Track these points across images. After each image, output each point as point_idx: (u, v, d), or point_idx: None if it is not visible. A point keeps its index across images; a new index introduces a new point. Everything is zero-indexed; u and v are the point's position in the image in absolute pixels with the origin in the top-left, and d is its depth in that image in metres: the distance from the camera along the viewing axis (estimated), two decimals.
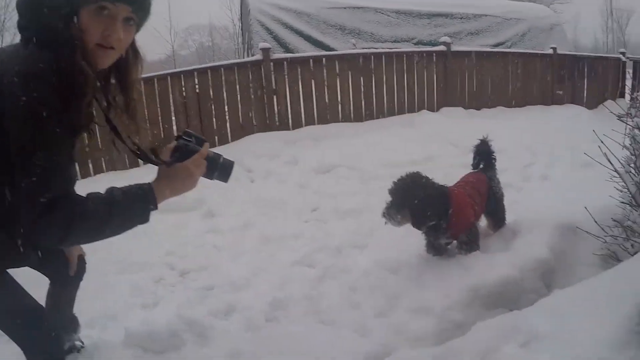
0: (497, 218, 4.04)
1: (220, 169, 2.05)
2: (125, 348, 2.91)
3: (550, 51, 11.13)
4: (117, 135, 1.98)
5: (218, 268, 4.14)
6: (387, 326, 3.04)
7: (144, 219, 1.88)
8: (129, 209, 1.83)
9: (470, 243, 3.63)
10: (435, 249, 3.68)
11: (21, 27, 1.76)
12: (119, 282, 3.93)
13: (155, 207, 1.88)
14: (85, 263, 2.67)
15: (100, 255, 4.31)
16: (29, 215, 1.67)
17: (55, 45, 1.68)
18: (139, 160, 2.09)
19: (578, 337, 2.34)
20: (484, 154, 4.12)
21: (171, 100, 8.01)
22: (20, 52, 1.70)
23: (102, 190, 1.80)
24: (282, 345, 2.94)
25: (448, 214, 3.49)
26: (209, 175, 2.03)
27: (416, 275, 3.47)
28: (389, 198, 3.50)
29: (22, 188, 1.66)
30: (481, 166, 4.13)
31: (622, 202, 3.37)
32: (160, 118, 7.72)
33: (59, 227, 1.69)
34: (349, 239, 4.33)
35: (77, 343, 2.89)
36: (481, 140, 4.13)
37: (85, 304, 3.33)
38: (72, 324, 2.84)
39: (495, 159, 4.14)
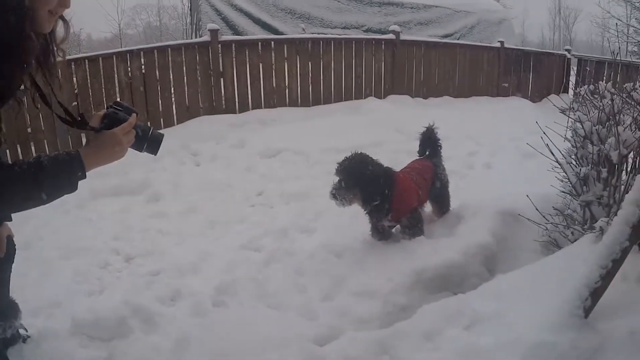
0: (442, 204, 4.11)
1: (149, 141, 2.04)
2: (72, 336, 2.82)
3: (498, 44, 11.35)
4: (44, 97, 1.89)
5: (164, 253, 4.07)
6: (333, 309, 3.06)
7: (73, 187, 1.84)
8: (56, 176, 1.79)
9: (412, 227, 3.69)
10: (380, 233, 3.73)
11: None
12: (63, 268, 3.81)
13: (84, 175, 1.85)
14: (15, 244, 2.49)
15: (45, 242, 4.20)
16: None
17: (4, 10, 1.58)
18: (67, 126, 2.00)
19: (520, 320, 2.41)
20: (429, 141, 4.17)
21: (116, 81, 7.78)
22: None
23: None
24: (230, 330, 2.91)
25: (391, 196, 3.54)
26: (138, 146, 2.02)
27: (361, 259, 3.50)
28: (336, 178, 3.53)
29: None
30: (427, 153, 4.17)
31: (563, 192, 3.48)
32: (104, 98, 7.45)
33: None
34: (295, 223, 4.32)
35: (22, 332, 2.75)
36: (427, 127, 4.18)
37: (29, 291, 3.24)
38: (12, 310, 2.69)
39: (440, 146, 4.20)
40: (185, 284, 3.51)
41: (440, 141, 4.19)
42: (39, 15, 1.68)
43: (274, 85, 8.87)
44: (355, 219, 4.05)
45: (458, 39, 12.81)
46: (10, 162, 1.71)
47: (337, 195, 3.50)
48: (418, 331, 2.56)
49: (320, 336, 2.79)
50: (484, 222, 3.73)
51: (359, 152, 3.63)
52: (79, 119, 1.93)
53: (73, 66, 7.42)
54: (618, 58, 3.43)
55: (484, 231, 3.61)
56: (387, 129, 7.22)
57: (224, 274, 3.59)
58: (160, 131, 2.08)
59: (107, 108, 1.97)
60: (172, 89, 8.29)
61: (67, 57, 7.70)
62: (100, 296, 3.49)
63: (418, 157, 4.19)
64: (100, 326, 2.96)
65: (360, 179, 3.49)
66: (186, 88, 8.37)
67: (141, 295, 3.37)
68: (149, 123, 8.16)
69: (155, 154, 2.09)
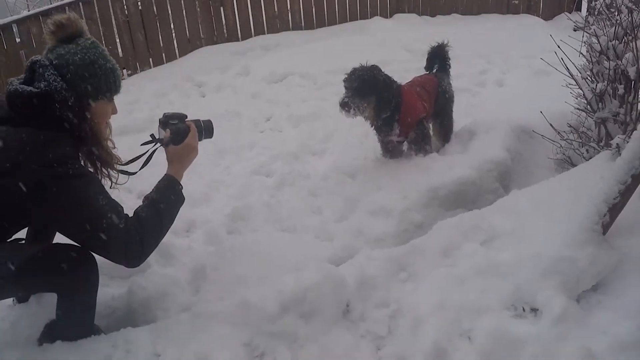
0: (443, 123, 3.97)
1: (205, 130, 2.63)
2: None
3: None
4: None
5: None
6: (349, 229, 3.05)
7: (182, 200, 2.44)
8: (169, 202, 2.34)
9: (420, 141, 3.63)
10: (390, 151, 3.68)
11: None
12: None
13: (181, 186, 2.44)
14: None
15: None
16: (119, 253, 2.16)
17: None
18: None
19: (537, 236, 2.41)
20: (438, 58, 4.08)
21: (113, 21, 7.58)
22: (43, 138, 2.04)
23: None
24: (245, 255, 2.94)
25: (399, 108, 3.48)
26: (199, 139, 2.57)
27: (374, 178, 3.47)
28: (347, 87, 3.45)
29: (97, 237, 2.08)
30: (435, 70, 4.08)
31: (578, 109, 3.41)
32: (103, 41, 7.23)
33: (138, 251, 2.18)
34: (305, 146, 4.26)
35: None
36: (439, 43, 4.06)
37: None
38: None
39: (449, 64, 4.11)
40: (199, 214, 3.51)
41: (449, 59, 4.08)
42: (101, 130, 2.28)
43: (276, 9, 8.58)
44: (365, 138, 4.02)
45: None
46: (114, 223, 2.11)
47: (350, 103, 3.40)
48: (435, 247, 2.57)
49: (337, 256, 2.81)
50: (498, 138, 3.68)
51: (371, 64, 3.56)
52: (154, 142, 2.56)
53: (67, 10, 7.20)
54: None
55: (498, 147, 3.57)
56: (394, 48, 7.02)
57: (236, 201, 3.58)
58: (207, 118, 2.70)
59: (163, 124, 2.49)
60: (172, 22, 8.07)
61: (61, 2, 7.55)
62: None
63: (424, 73, 4.11)
64: (119, 266, 3.01)
65: (374, 86, 3.41)
66: (185, 20, 8.14)
67: None
68: (151, 60, 8.09)
69: (212, 137, 2.70)
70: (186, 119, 2.54)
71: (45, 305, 2.40)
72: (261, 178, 3.88)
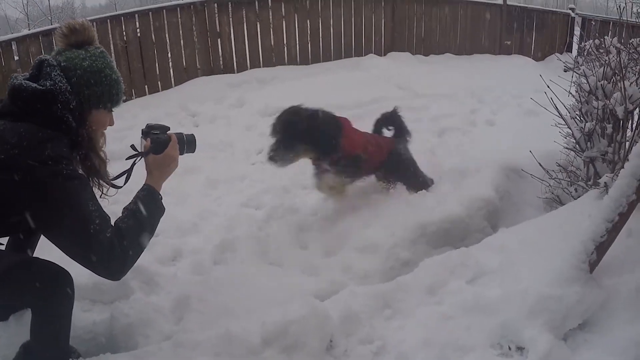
0: (408, 183, 3.74)
1: (187, 143, 2.57)
2: (76, 300, 2.80)
3: (500, 1, 11.08)
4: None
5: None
6: (336, 265, 3.05)
7: (162, 210, 2.39)
8: (149, 212, 2.27)
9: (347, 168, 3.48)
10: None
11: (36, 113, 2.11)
12: None
13: (161, 196, 2.39)
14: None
15: None
16: (102, 263, 2.09)
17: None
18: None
19: (525, 273, 2.41)
20: (392, 125, 3.94)
21: (112, 46, 7.67)
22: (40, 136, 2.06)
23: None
24: (231, 287, 2.92)
25: (340, 137, 3.39)
26: (180, 152, 2.51)
27: (363, 214, 3.46)
28: (274, 138, 3.36)
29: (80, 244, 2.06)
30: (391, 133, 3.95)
31: (567, 148, 3.45)
32: None
33: (120, 262, 2.14)
34: (296, 180, 4.23)
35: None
36: (389, 111, 3.97)
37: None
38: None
39: (406, 129, 3.94)
40: (186, 243, 3.49)
41: (404, 125, 3.93)
42: (98, 138, 2.32)
43: (272, 43, 8.75)
44: None
45: None
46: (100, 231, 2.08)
47: (276, 157, 3.34)
48: (421, 284, 2.56)
49: (323, 291, 2.77)
50: (487, 177, 3.71)
51: (292, 106, 3.48)
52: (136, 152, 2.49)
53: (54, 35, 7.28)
54: (624, 17, 3.33)
55: (487, 186, 3.58)
56: (388, 86, 7.12)
57: (225, 232, 3.57)
58: (189, 132, 2.64)
59: (145, 134, 2.43)
60: (169, 50, 8.19)
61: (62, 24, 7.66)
62: None
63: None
64: (102, 290, 2.96)
65: (301, 134, 3.31)
66: (183, 49, 8.27)
67: (141, 258, 3.35)
68: (146, 87, 8.16)
69: (194, 152, 2.63)
70: (168, 131, 2.50)
71: (24, 325, 2.35)
72: (251, 210, 3.88)
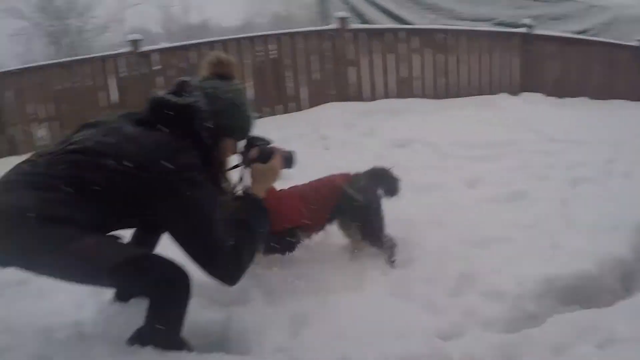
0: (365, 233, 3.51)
1: (286, 160, 2.73)
2: (195, 297, 2.81)
3: (637, 43, 10.53)
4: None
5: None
6: (458, 306, 3.00)
7: (267, 216, 2.55)
8: (256, 219, 2.44)
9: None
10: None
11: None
12: None
13: (264, 203, 2.54)
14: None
15: None
16: (221, 269, 2.31)
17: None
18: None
19: None
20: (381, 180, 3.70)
21: (250, 64, 8.17)
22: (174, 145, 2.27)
23: None
24: (351, 312, 2.93)
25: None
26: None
27: (492, 255, 3.42)
28: None
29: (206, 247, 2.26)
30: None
31: None
32: None
33: (237, 269, 2.33)
34: (424, 214, 4.19)
35: None
36: (381, 168, 3.78)
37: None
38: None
39: (396, 188, 3.71)
40: (309, 262, 3.50)
41: (396, 183, 3.70)
42: (225, 161, 2.56)
43: (403, 75, 8.82)
44: (490, 212, 3.99)
45: (593, 36, 12.01)
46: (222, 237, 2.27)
47: None
48: (547, 342, 2.50)
49: (442, 331, 2.75)
50: (624, 235, 3.55)
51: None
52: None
53: (194, 50, 8.19)
54: None
55: (623, 245, 3.44)
56: (519, 128, 6.94)
57: (351, 260, 3.56)
58: (289, 149, 2.82)
59: (249, 144, 2.62)
60: (302, 74, 8.51)
61: (202, 40, 8.36)
62: None
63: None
64: (221, 290, 2.97)
65: None
66: (317, 74, 8.56)
67: (265, 268, 3.38)
68: (280, 107, 8.50)
69: (292, 168, 2.82)
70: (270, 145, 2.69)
71: (143, 310, 2.44)
72: None
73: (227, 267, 2.30)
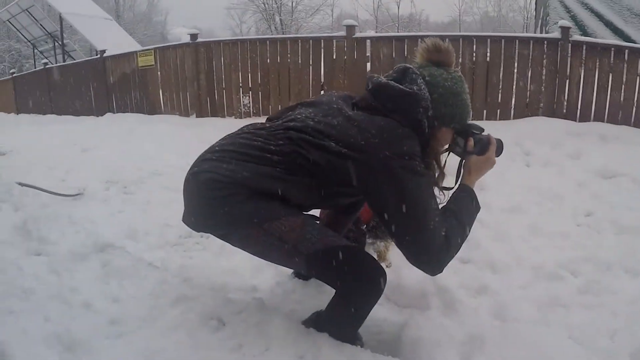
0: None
1: (498, 148, 2.63)
2: None
3: None
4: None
5: (479, 245, 4.06)
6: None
7: (479, 208, 2.55)
8: (468, 211, 2.45)
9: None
10: None
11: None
12: None
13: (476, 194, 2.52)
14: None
15: None
16: (431, 257, 2.31)
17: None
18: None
19: None
20: None
21: (460, 64, 8.12)
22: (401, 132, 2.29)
23: None
24: (528, 344, 2.82)
25: None
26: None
27: None
28: None
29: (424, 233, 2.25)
30: None
31: None
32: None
33: (445, 258, 2.32)
34: (622, 259, 3.89)
35: None
36: None
37: None
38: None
39: None
40: (493, 281, 3.53)
41: None
42: (440, 150, 2.56)
43: (621, 99, 8.19)
44: None
45: None
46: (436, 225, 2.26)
47: None
48: None
49: None
50: None
51: None
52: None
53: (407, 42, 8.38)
54: None
55: None
56: None
57: (526, 287, 3.54)
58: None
59: (464, 133, 2.52)
60: (514, 82, 8.28)
61: (417, 33, 8.53)
62: (409, 267, 3.69)
63: None
64: (402, 292, 3.22)
65: None
66: (529, 84, 8.27)
67: (448, 278, 3.41)
68: (485, 112, 8.39)
69: (500, 155, 2.67)
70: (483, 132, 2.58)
71: (323, 294, 2.56)
72: (566, 274, 3.71)
73: (435, 255, 2.27)
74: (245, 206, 2.29)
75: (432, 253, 2.27)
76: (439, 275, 3.33)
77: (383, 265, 3.53)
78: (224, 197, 2.29)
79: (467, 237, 2.42)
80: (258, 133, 2.46)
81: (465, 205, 2.44)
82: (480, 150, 2.52)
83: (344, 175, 2.27)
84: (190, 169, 2.51)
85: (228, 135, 2.59)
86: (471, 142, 2.51)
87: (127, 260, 3.30)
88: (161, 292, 2.93)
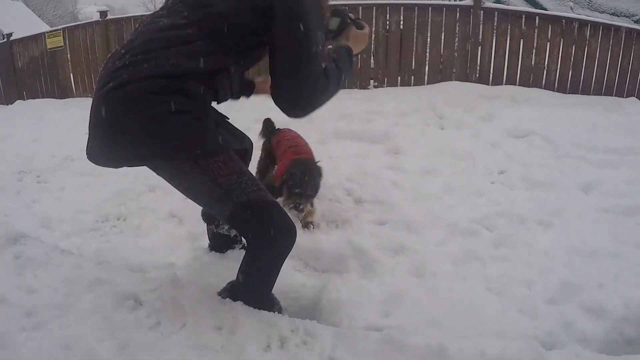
0: None
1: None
2: (291, 259, 2.94)
3: None
4: None
5: (395, 205, 4.13)
6: (556, 315, 2.88)
7: (351, 74, 2.53)
8: (346, 64, 2.42)
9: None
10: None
11: None
12: None
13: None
14: None
15: None
16: (303, 91, 2.17)
17: None
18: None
19: None
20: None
21: (373, 32, 8.15)
22: None
23: None
24: (448, 300, 2.91)
25: None
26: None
27: (599, 271, 3.22)
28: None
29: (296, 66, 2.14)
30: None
31: None
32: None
33: (318, 98, 2.23)
34: (533, 212, 4.04)
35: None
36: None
37: None
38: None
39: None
40: (410, 241, 3.57)
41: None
42: None
43: (532, 63, 8.49)
44: (601, 224, 3.83)
45: None
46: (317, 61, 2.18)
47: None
48: None
49: (540, 340, 2.64)
50: None
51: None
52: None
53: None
54: None
55: None
56: None
57: (448, 243, 3.61)
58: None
59: (341, 13, 2.62)
60: (428, 48, 8.39)
61: (341, 1, 8.41)
62: (326, 232, 3.71)
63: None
64: (317, 257, 3.22)
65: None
66: (442, 50, 8.40)
67: (365, 240, 3.51)
68: (399, 79, 8.43)
69: None
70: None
71: (239, 264, 2.50)
72: (482, 229, 3.81)
73: (308, 93, 2.18)
74: (185, 130, 2.08)
75: (306, 84, 2.15)
76: (355, 238, 3.44)
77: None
78: (164, 114, 2.04)
79: (339, 89, 2.36)
80: (158, 17, 2.27)
81: (344, 58, 2.44)
82: (358, 25, 2.66)
83: (251, 16, 2.16)
84: (100, 87, 2.16)
85: (127, 40, 2.31)
86: (353, 16, 2.72)
87: (41, 249, 3.14)
88: (76, 278, 2.80)
